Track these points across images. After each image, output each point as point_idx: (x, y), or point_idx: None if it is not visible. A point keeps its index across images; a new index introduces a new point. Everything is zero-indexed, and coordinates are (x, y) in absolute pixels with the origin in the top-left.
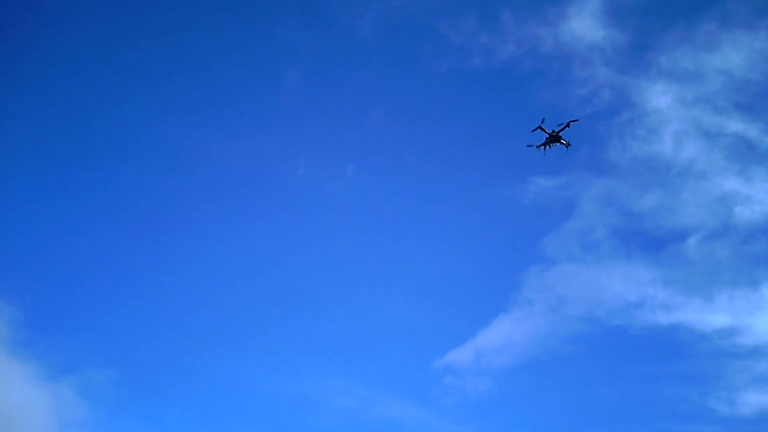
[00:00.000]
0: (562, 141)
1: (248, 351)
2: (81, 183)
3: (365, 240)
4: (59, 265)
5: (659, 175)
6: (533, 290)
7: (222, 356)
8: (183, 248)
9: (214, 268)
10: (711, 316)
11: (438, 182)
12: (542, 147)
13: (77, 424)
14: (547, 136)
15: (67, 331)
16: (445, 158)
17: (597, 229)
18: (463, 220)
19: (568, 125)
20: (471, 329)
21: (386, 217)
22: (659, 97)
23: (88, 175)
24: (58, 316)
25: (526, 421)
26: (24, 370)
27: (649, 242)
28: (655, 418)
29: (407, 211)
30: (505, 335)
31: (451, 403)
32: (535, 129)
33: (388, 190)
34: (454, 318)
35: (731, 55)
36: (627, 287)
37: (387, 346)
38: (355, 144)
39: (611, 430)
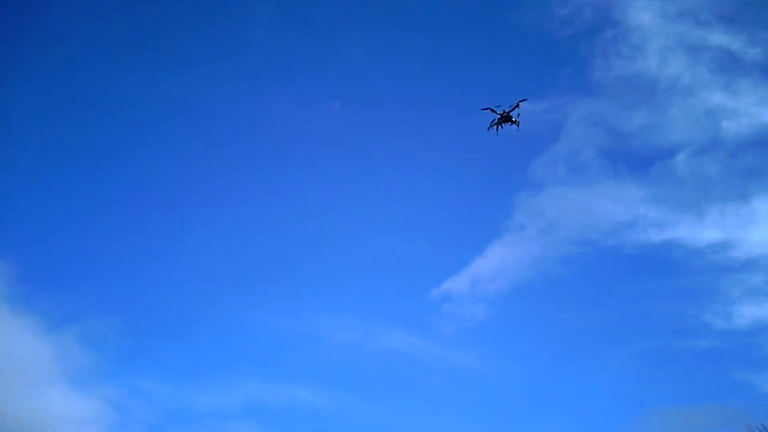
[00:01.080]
0: (513, 120)
1: (248, 293)
2: (78, 133)
3: (357, 175)
4: (55, 216)
5: (645, 92)
6: (524, 215)
7: (223, 299)
8: (180, 193)
9: (211, 212)
10: (703, 231)
11: (423, 112)
12: (494, 127)
13: (82, 373)
14: (498, 116)
15: (67, 283)
16: (428, 86)
17: (585, 151)
18: (450, 150)
19: (518, 105)
20: (466, 257)
21: (375, 152)
22: (641, 13)
23: (84, 124)
24: (56, 268)
25: (525, 344)
26: (26, 323)
27: (638, 161)
28: (652, 335)
29: (395, 144)
30: (499, 261)
31: (450, 330)
32: (485, 109)
33: (375, 124)
34: (448, 247)
35: None
36: (618, 207)
37: (384, 279)
38: (339, 79)
39: (609, 349)
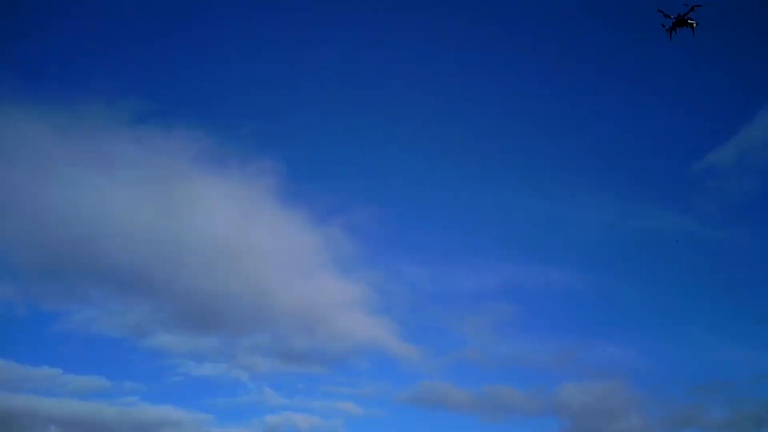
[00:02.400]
0: (689, 22)
1: (501, 174)
2: None
3: (606, 43)
4: (316, 115)
5: None
6: None
7: (475, 181)
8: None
9: (465, 103)
10: None
11: None
12: (670, 31)
13: (348, 259)
14: (673, 20)
15: (331, 177)
16: None
17: None
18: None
19: (692, 9)
20: (732, 125)
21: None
22: None
23: None
24: (320, 164)
25: None
26: (296, 217)
27: None
28: None
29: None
30: None
31: (713, 207)
32: (659, 10)
33: None
34: (712, 115)
35: None
36: None
37: (640, 154)
38: None
39: None
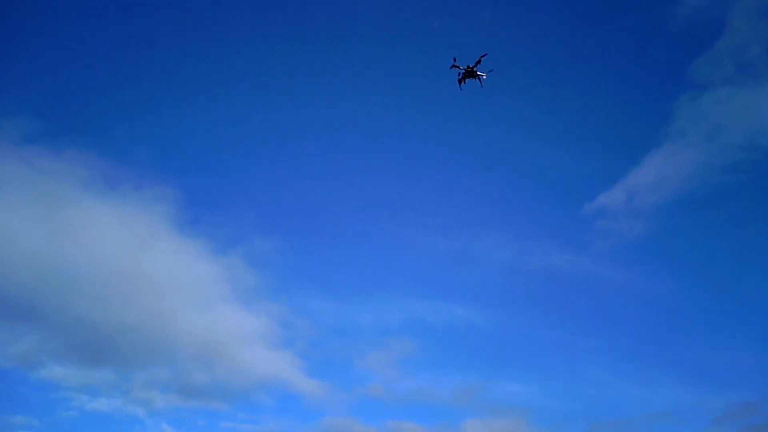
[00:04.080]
0: (477, 74)
1: (406, 211)
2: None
3: (504, 88)
4: (214, 143)
5: None
6: (685, 120)
7: (382, 219)
8: (338, 120)
9: (367, 136)
10: None
11: (574, 14)
12: (461, 82)
13: (249, 291)
14: (463, 71)
15: (231, 206)
16: None
17: (753, 46)
18: (602, 55)
19: (479, 61)
20: (621, 169)
21: (523, 61)
22: None
23: None
24: (220, 192)
25: (688, 260)
26: (195, 246)
27: None
28: None
29: (544, 51)
30: (657, 171)
31: (605, 246)
32: (452, 67)
33: (523, 32)
34: (602, 159)
35: None
36: None
37: (536, 195)
38: None
39: None
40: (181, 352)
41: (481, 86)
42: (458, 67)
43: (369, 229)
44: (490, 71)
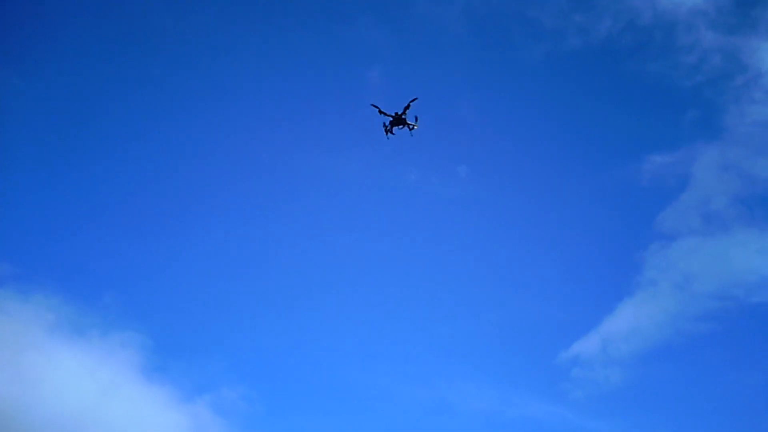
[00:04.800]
0: (408, 123)
1: (381, 359)
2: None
3: (479, 238)
4: (184, 289)
5: None
6: (656, 270)
7: (355, 366)
8: (307, 270)
9: (338, 282)
10: None
11: (546, 171)
12: (387, 131)
13: None
14: (390, 118)
15: (199, 353)
16: (552, 145)
17: (717, 198)
18: (574, 208)
19: (408, 106)
20: (595, 317)
21: (498, 214)
22: None
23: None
24: (188, 339)
25: (666, 410)
26: (161, 393)
27: None
28: None
29: (518, 205)
30: (631, 320)
31: (582, 396)
32: (374, 106)
33: (498, 187)
34: (576, 308)
35: None
36: (758, 257)
37: (513, 342)
38: (460, 143)
39: (761, 419)
40: None
41: (411, 135)
42: (384, 113)
43: (341, 378)
44: (417, 118)
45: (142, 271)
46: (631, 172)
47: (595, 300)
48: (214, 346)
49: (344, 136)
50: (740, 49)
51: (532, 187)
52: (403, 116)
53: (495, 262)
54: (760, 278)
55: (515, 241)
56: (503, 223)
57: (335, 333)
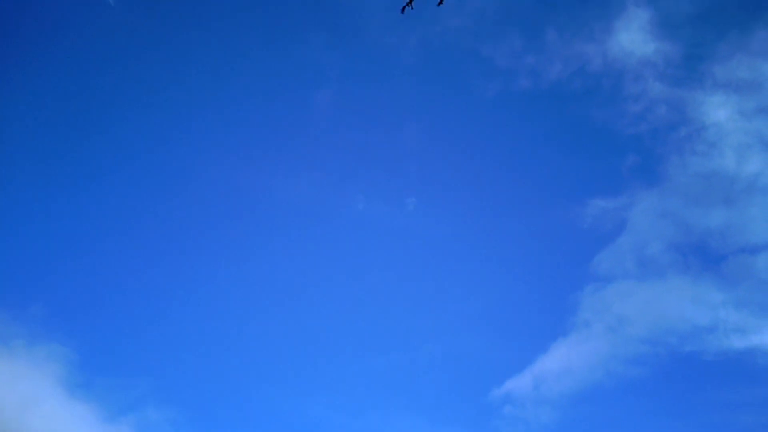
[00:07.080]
0: None
1: (313, 388)
2: (142, 226)
3: (419, 272)
4: (113, 304)
5: (722, 190)
6: (590, 311)
7: (286, 395)
8: (243, 296)
9: (272, 308)
10: None
11: (492, 208)
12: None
13: None
14: None
15: (125, 371)
16: (500, 183)
17: (652, 244)
18: (516, 246)
19: None
20: (528, 356)
21: (441, 249)
22: (717, 110)
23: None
24: (114, 355)
25: None
26: (84, 411)
27: (714, 260)
28: None
29: (460, 240)
30: (564, 360)
31: None
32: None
33: (443, 221)
34: (510, 346)
35: None
36: (694, 307)
37: (447, 378)
38: (409, 174)
39: None
40: None
41: (438, 5)
42: None
43: (272, 407)
44: None
45: (71, 283)
46: (572, 214)
47: (530, 339)
48: (141, 365)
49: (291, 159)
50: (686, 102)
51: (475, 223)
52: None
53: (434, 296)
54: (693, 327)
55: (455, 276)
56: (445, 257)
57: (268, 361)
